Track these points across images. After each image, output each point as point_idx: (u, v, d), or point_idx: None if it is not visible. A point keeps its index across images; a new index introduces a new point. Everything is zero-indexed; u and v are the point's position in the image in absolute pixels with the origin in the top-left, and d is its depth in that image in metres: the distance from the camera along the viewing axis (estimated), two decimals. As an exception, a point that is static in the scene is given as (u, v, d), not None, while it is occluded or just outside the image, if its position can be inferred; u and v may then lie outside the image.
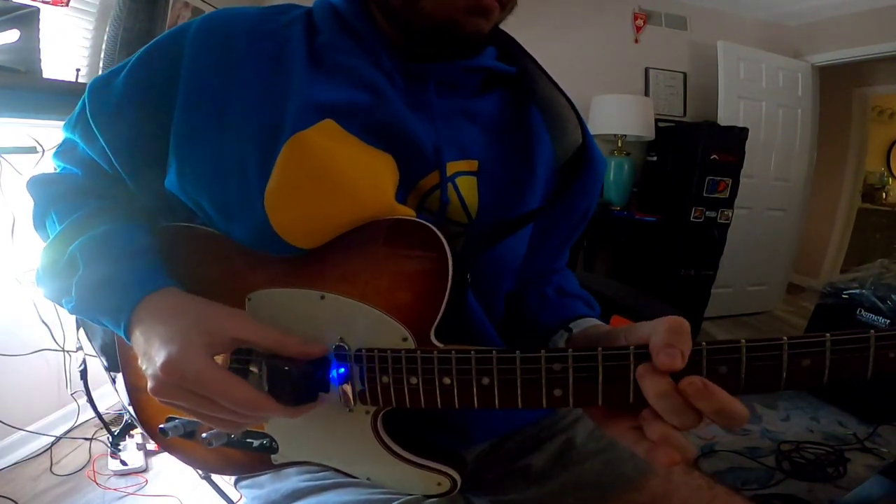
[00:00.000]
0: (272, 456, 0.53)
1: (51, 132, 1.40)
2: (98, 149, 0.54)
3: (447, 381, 0.42)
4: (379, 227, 0.47)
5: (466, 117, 0.55)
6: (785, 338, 0.34)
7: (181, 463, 0.60)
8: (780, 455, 1.74)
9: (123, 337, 0.47)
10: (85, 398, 1.43)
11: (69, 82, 1.48)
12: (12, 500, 1.32)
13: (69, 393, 1.61)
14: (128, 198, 0.56)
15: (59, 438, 1.57)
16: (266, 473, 0.59)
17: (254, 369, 0.48)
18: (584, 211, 0.63)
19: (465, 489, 0.51)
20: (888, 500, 1.42)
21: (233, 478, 0.65)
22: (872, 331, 0.33)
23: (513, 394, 0.40)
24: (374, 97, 0.50)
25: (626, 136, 2.89)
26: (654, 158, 3.10)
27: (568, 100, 0.58)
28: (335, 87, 0.50)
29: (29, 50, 1.30)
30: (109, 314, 0.47)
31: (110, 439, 1.49)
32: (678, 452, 0.37)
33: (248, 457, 0.54)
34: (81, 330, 1.01)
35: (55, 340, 1.51)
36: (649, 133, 2.86)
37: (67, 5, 1.50)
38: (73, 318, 1.31)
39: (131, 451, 1.52)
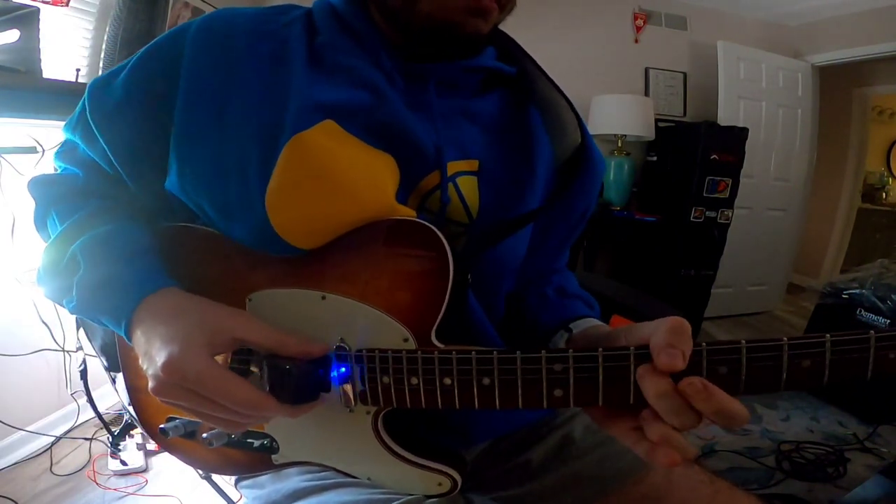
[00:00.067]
0: (273, 456, 0.53)
1: (51, 132, 1.40)
2: (98, 149, 0.54)
3: (448, 381, 0.42)
4: (379, 227, 0.47)
5: (466, 117, 0.55)
6: (785, 338, 0.34)
7: (181, 463, 0.60)
8: (780, 455, 1.74)
9: (124, 337, 0.47)
10: (85, 398, 1.44)
11: (69, 82, 1.48)
12: (12, 500, 1.32)
13: (69, 393, 1.61)
14: (129, 198, 0.56)
15: (59, 438, 1.57)
16: (266, 473, 0.59)
17: (254, 369, 0.48)
18: (583, 211, 0.63)
19: (465, 489, 0.51)
20: (888, 500, 1.42)
21: (233, 478, 0.65)
22: (872, 331, 0.33)
23: (513, 394, 0.41)
24: (374, 97, 0.50)
25: (626, 136, 2.89)
26: (654, 158, 3.10)
27: (567, 100, 0.58)
28: (335, 87, 0.50)
29: (29, 50, 1.30)
30: (110, 314, 0.47)
31: (110, 439, 1.49)
32: (678, 453, 0.37)
33: (249, 457, 0.54)
34: (81, 330, 1.02)
35: (55, 340, 1.51)
36: (649, 133, 2.86)
37: (67, 5, 1.50)
38: (73, 318, 1.31)
39: (131, 451, 1.52)
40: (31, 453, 1.51)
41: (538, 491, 0.59)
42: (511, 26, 0.57)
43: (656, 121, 2.92)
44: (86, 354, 1.37)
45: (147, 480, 1.47)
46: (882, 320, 2.09)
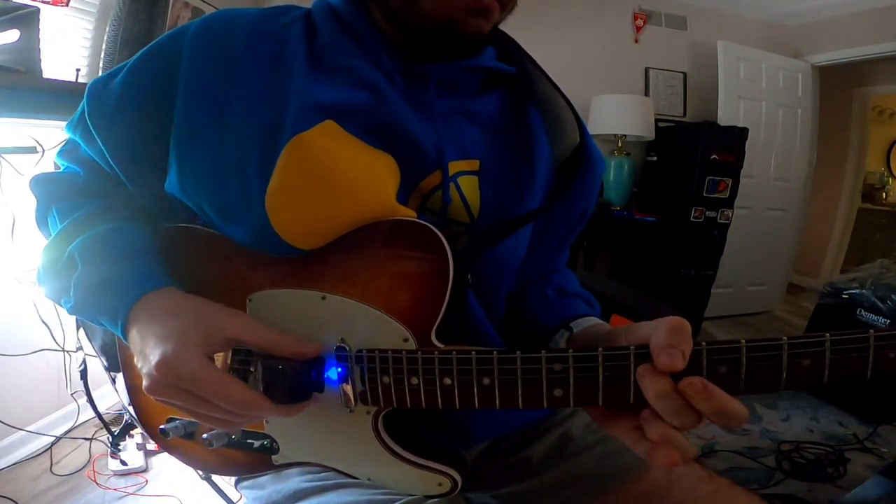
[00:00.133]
0: (273, 456, 0.53)
1: (51, 132, 1.40)
2: (97, 150, 0.54)
3: (448, 381, 0.42)
4: (380, 227, 0.47)
5: (467, 117, 0.55)
6: (785, 338, 0.35)
7: (181, 463, 0.60)
8: (780, 455, 1.74)
9: (121, 336, 0.47)
10: (85, 398, 1.44)
11: (69, 82, 1.48)
12: (12, 500, 1.32)
13: (69, 393, 1.61)
14: (129, 198, 0.56)
15: (59, 438, 1.57)
16: (267, 474, 0.59)
17: (252, 369, 0.48)
18: (582, 210, 0.63)
19: (465, 489, 0.51)
20: (888, 500, 1.42)
21: (233, 478, 0.65)
22: (872, 330, 0.33)
23: (513, 394, 0.41)
24: (375, 97, 0.50)
25: (626, 136, 2.89)
26: (654, 158, 3.10)
27: (566, 100, 0.58)
28: (335, 87, 0.50)
29: (29, 50, 1.30)
30: (107, 313, 0.47)
31: (110, 439, 1.49)
32: (678, 452, 0.37)
33: (249, 457, 0.54)
34: (81, 330, 1.02)
35: (55, 340, 1.51)
36: (649, 133, 2.86)
37: (67, 5, 1.50)
38: (73, 317, 1.31)
39: (131, 451, 1.52)
40: (31, 453, 1.51)
41: (538, 488, 0.59)
42: (511, 26, 0.57)
43: (656, 121, 2.91)
44: (86, 354, 1.37)
45: (147, 480, 1.47)
46: (882, 320, 2.09)
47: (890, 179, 4.62)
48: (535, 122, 0.57)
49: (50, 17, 1.46)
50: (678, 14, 3.15)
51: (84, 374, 1.39)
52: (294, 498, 0.55)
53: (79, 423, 1.65)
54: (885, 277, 2.22)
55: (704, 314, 3.10)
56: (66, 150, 0.59)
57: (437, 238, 0.45)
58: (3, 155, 1.33)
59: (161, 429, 0.53)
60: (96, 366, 0.94)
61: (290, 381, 0.43)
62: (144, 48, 0.52)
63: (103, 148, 0.53)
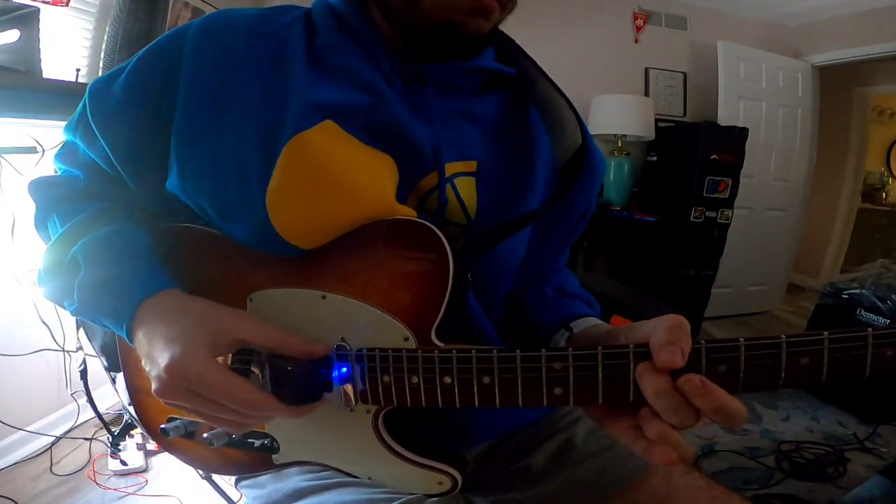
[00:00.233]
0: (273, 456, 0.53)
1: (51, 132, 1.40)
2: (99, 150, 0.54)
3: (448, 380, 0.42)
4: (380, 227, 0.47)
5: (465, 118, 0.55)
6: (783, 336, 0.35)
7: (181, 463, 0.60)
8: (780, 455, 1.74)
9: (126, 339, 0.47)
10: (85, 398, 1.44)
11: (69, 82, 1.48)
12: (12, 500, 1.32)
13: (69, 393, 1.61)
14: (129, 200, 0.56)
15: (59, 438, 1.57)
16: (267, 473, 0.59)
17: (255, 370, 0.48)
18: (582, 211, 0.63)
19: (465, 489, 0.51)
20: (888, 500, 1.42)
21: (233, 478, 0.65)
22: (870, 329, 0.33)
23: (513, 392, 0.41)
24: (373, 98, 0.50)
25: (626, 136, 2.89)
26: (654, 158, 3.10)
27: (567, 100, 0.58)
28: (335, 87, 0.50)
29: (29, 50, 1.30)
30: (111, 315, 0.47)
31: (110, 439, 1.49)
32: (675, 451, 0.37)
33: (250, 457, 0.54)
34: (81, 330, 1.02)
35: (55, 340, 1.51)
36: (649, 133, 2.86)
37: (67, 5, 1.50)
38: (73, 318, 1.31)
39: (131, 451, 1.52)
40: (31, 453, 1.51)
41: (538, 496, 0.59)
42: (511, 26, 0.57)
43: (656, 121, 2.92)
44: (86, 354, 1.37)
45: (147, 480, 1.47)
46: (882, 320, 2.09)
47: (890, 179, 4.62)
48: (535, 122, 0.57)
49: (50, 17, 1.46)
50: (678, 14, 3.15)
51: (84, 374, 1.39)
52: (294, 497, 0.55)
53: (79, 423, 1.65)
54: (885, 277, 2.22)
55: (704, 314, 3.10)
56: (64, 154, 0.59)
57: (437, 237, 0.45)
58: (3, 155, 1.34)
59: (161, 428, 0.53)
60: (96, 366, 0.94)
61: (300, 382, 0.43)
62: (145, 48, 0.52)
63: (106, 147, 0.53)
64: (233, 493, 1.00)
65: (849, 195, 4.29)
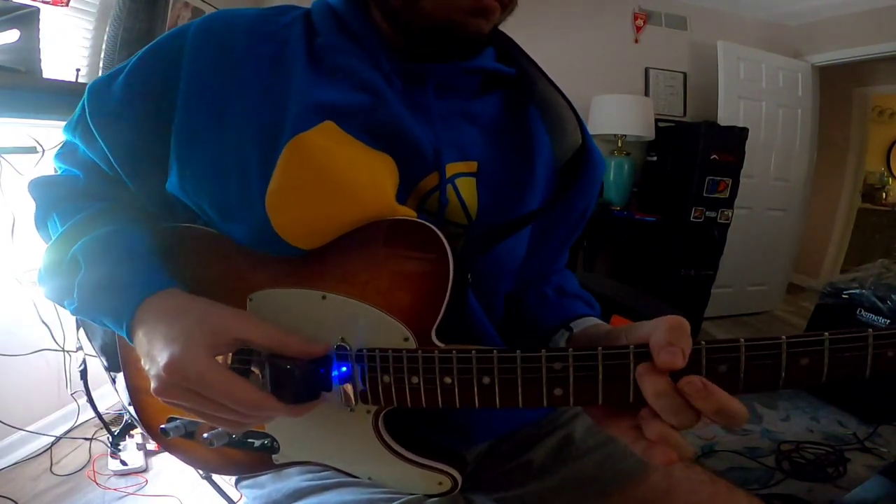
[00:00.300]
0: (273, 456, 0.53)
1: (51, 132, 1.40)
2: (98, 151, 0.54)
3: (448, 380, 0.42)
4: (380, 227, 0.47)
5: (465, 119, 0.55)
6: (784, 337, 0.35)
7: (181, 463, 0.60)
8: (780, 455, 1.74)
9: (126, 338, 0.47)
10: (85, 398, 1.44)
11: (69, 82, 1.48)
12: (12, 500, 1.32)
13: (69, 393, 1.61)
14: (129, 200, 0.56)
15: (59, 438, 1.57)
16: (267, 473, 0.59)
17: (255, 369, 0.48)
18: (582, 211, 0.63)
19: (465, 489, 0.51)
20: (888, 500, 1.42)
21: (233, 478, 0.65)
22: (870, 329, 0.33)
23: (513, 393, 0.41)
24: (373, 98, 0.50)
25: (626, 136, 2.89)
26: (654, 158, 3.09)
27: (567, 101, 0.58)
28: (335, 88, 0.50)
29: (29, 50, 1.30)
30: (111, 315, 0.47)
31: (110, 439, 1.49)
32: (675, 451, 0.37)
33: (250, 457, 0.54)
34: (81, 330, 1.02)
35: (55, 340, 1.51)
36: (649, 133, 2.86)
37: (67, 5, 1.50)
38: (73, 318, 1.31)
39: (131, 451, 1.52)
40: (31, 453, 1.51)
41: (539, 492, 0.59)
42: (511, 26, 0.57)
43: (656, 121, 2.91)
44: (86, 354, 1.37)
45: (147, 480, 1.47)
46: (882, 320, 2.09)
47: (890, 179, 4.62)
48: (535, 123, 0.57)
49: (50, 17, 1.46)
50: (678, 14, 3.15)
51: (84, 374, 1.39)
52: (294, 497, 0.55)
53: (79, 423, 1.65)
54: (885, 277, 2.22)
55: (704, 314, 3.10)
56: (64, 153, 0.59)
57: (437, 237, 0.45)
58: (3, 155, 1.34)
59: (162, 428, 0.53)
60: (96, 366, 0.94)
61: (299, 381, 0.43)
62: (145, 48, 0.52)
63: (105, 148, 0.53)
64: (233, 493, 1.00)
65: (849, 195, 4.29)
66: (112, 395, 1.69)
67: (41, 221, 0.56)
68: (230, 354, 0.49)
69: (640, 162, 3.15)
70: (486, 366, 0.41)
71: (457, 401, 0.42)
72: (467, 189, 0.54)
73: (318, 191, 0.47)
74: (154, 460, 1.54)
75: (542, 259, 0.64)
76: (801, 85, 3.27)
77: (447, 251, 0.44)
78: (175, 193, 0.52)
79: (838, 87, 3.77)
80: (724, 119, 2.97)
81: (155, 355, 0.42)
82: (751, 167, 3.00)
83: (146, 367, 0.43)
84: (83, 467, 1.49)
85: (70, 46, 1.62)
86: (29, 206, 0.57)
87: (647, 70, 3.12)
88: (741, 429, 1.90)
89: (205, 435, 0.49)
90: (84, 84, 1.34)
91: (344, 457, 0.51)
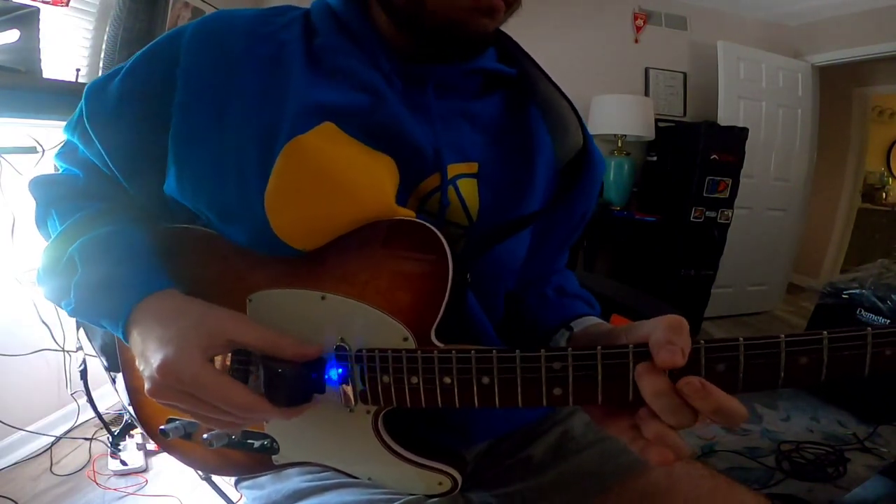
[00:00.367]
0: (273, 457, 0.53)
1: (51, 132, 1.40)
2: (96, 152, 0.54)
3: (448, 380, 0.42)
4: (379, 227, 0.47)
5: (466, 119, 0.55)
6: (782, 336, 0.35)
7: (181, 463, 0.60)
8: (780, 455, 1.74)
9: (122, 338, 0.47)
10: (85, 398, 1.44)
11: (69, 82, 1.48)
12: (12, 500, 1.32)
13: (69, 393, 1.61)
14: (128, 200, 0.56)
15: (59, 438, 1.57)
16: (267, 474, 0.59)
17: (253, 370, 0.48)
18: (583, 212, 0.63)
19: (465, 489, 0.51)
20: (888, 500, 1.42)
21: (233, 478, 0.65)
22: (869, 328, 0.33)
23: (513, 393, 0.41)
24: (373, 99, 0.50)
25: (626, 136, 2.89)
26: (654, 158, 3.09)
27: (569, 101, 0.58)
28: (334, 88, 0.50)
29: (29, 50, 1.30)
30: (108, 315, 0.47)
31: (110, 439, 1.49)
32: (672, 452, 0.37)
33: (249, 457, 0.55)
34: (81, 330, 1.02)
35: (55, 340, 1.51)
36: (649, 133, 2.86)
37: (67, 5, 1.50)
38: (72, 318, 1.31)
39: (131, 451, 1.52)
40: (31, 453, 1.51)
41: (538, 487, 0.59)
42: (511, 26, 0.56)
43: (656, 121, 2.92)
44: (86, 354, 1.37)
45: (147, 480, 1.47)
46: (882, 320, 2.09)
47: (890, 179, 4.62)
48: (535, 124, 0.57)
49: (50, 17, 1.46)
50: (678, 14, 3.15)
51: (84, 374, 1.39)
52: (294, 497, 0.55)
53: (79, 423, 1.65)
54: (885, 277, 2.22)
55: (704, 314, 3.10)
56: (65, 152, 0.59)
57: (436, 238, 0.45)
58: (3, 155, 1.34)
59: (161, 429, 0.53)
60: (96, 366, 0.94)
61: (290, 384, 0.43)
62: (142, 49, 0.52)
63: (102, 150, 0.53)
64: (232, 494, 1.00)
65: (849, 195, 4.29)
66: (112, 395, 1.69)
67: (41, 220, 0.57)
68: (230, 355, 0.49)
69: (640, 162, 3.15)
70: (486, 366, 0.41)
71: (456, 401, 0.42)
72: (468, 190, 0.54)
73: (316, 192, 0.47)
74: (154, 460, 1.55)
75: (542, 259, 0.64)
76: (801, 85, 3.27)
77: (446, 251, 0.44)
78: (173, 195, 0.52)
79: (838, 87, 3.77)
80: (724, 119, 2.97)
81: (149, 356, 0.42)
82: (751, 167, 3.00)
83: (140, 368, 0.44)
84: (83, 467, 1.49)
85: (70, 46, 1.62)
86: (29, 206, 0.57)
87: (647, 70, 3.12)
88: (741, 429, 1.90)
89: (204, 436, 0.49)
90: (84, 84, 1.34)
91: (344, 457, 0.51)
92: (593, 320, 0.56)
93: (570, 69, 2.81)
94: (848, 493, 1.52)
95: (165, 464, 1.53)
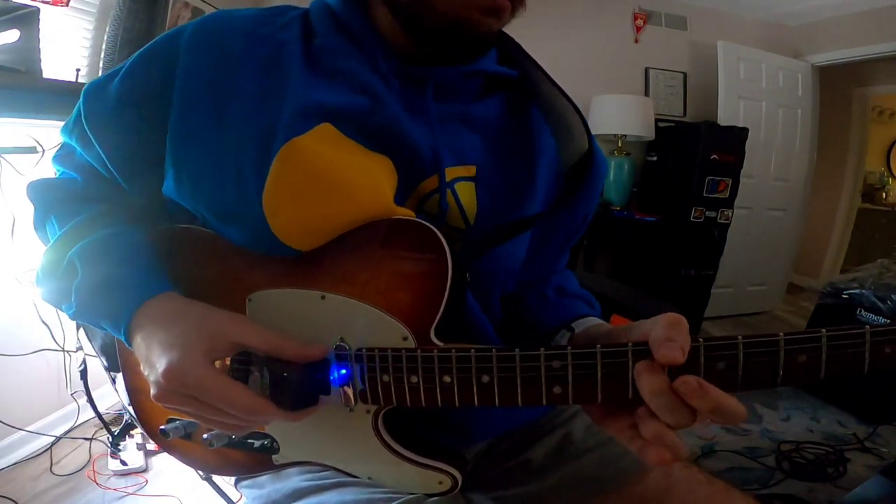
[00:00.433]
0: (273, 456, 0.53)
1: (51, 132, 1.40)
2: (94, 154, 0.54)
3: (447, 379, 0.42)
4: (378, 227, 0.47)
5: (465, 122, 0.55)
6: (781, 334, 0.35)
7: (181, 463, 0.60)
8: (780, 455, 1.74)
9: (124, 341, 0.47)
10: (85, 398, 1.44)
11: (69, 82, 1.48)
12: (12, 500, 1.32)
13: (69, 393, 1.61)
14: (127, 202, 0.56)
15: (59, 438, 1.57)
16: (267, 474, 0.59)
17: (254, 370, 0.48)
18: (584, 214, 0.63)
19: (465, 488, 0.51)
20: (888, 500, 1.42)
21: (233, 478, 0.65)
22: (868, 326, 0.33)
23: (513, 391, 0.41)
24: (372, 101, 0.50)
25: (626, 136, 2.89)
26: (654, 158, 3.10)
27: (573, 104, 0.57)
28: (333, 89, 0.50)
29: (29, 50, 1.30)
30: (109, 318, 0.47)
31: (110, 439, 1.49)
32: (669, 452, 0.37)
33: (249, 457, 0.54)
34: (81, 330, 1.02)
35: (55, 340, 1.51)
36: (649, 133, 2.86)
37: (67, 5, 1.50)
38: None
39: (131, 451, 1.52)
40: (31, 453, 1.51)
41: (538, 491, 0.59)
42: (511, 26, 0.56)
43: (656, 121, 2.92)
44: (86, 354, 1.37)
45: (147, 480, 1.47)
46: (882, 320, 2.08)
47: (890, 179, 4.61)
48: (537, 126, 0.57)
49: (50, 17, 1.46)
50: (678, 14, 3.15)
51: (84, 374, 1.39)
52: (294, 497, 0.55)
53: (79, 423, 1.65)
54: (885, 277, 2.23)
55: (704, 314, 3.10)
56: (62, 155, 0.58)
57: (435, 237, 0.45)
58: (3, 155, 1.34)
59: (161, 429, 0.53)
60: (96, 366, 0.94)
61: (297, 387, 0.43)
62: (140, 50, 0.52)
63: (101, 151, 0.53)
64: (232, 493, 1.00)
65: (849, 195, 4.29)
66: (112, 395, 1.69)
67: (39, 224, 0.56)
68: (229, 357, 0.49)
69: (640, 162, 3.15)
70: (485, 365, 0.41)
71: (456, 400, 0.42)
72: (466, 194, 0.54)
73: (314, 193, 0.47)
74: (154, 460, 1.54)
75: (543, 261, 0.63)
76: (801, 85, 3.27)
77: (446, 250, 0.44)
78: (172, 197, 0.52)
79: (838, 87, 3.77)
80: (724, 119, 2.97)
81: (154, 361, 0.42)
82: (751, 167, 3.00)
83: (145, 373, 0.44)
84: (83, 467, 1.49)
85: (70, 46, 1.62)
86: (28, 208, 0.57)
87: (647, 70, 3.12)
88: (741, 429, 1.90)
89: (204, 436, 0.49)
90: (84, 84, 1.34)
91: (344, 457, 0.51)
92: (594, 321, 0.56)
93: (570, 69, 2.81)
94: (848, 493, 1.52)
95: (165, 464, 1.53)
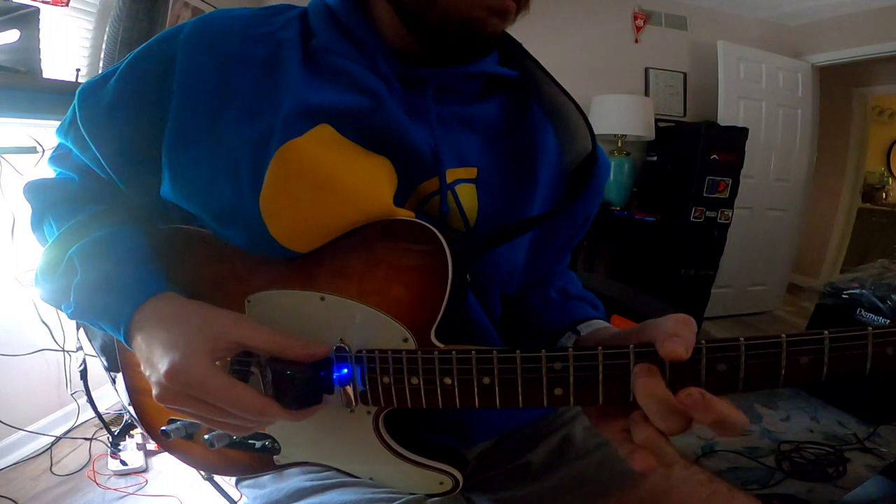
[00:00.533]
0: (274, 457, 0.53)
1: (51, 132, 1.37)
2: (90, 155, 0.53)
3: (448, 381, 0.42)
4: (378, 227, 0.47)
5: (465, 124, 0.55)
6: (783, 335, 0.35)
7: (182, 463, 0.60)
8: (780, 455, 1.74)
9: (123, 342, 0.47)
10: (85, 398, 1.44)
11: (69, 82, 1.48)
12: (12, 500, 1.32)
13: (69, 393, 1.61)
14: (125, 202, 0.56)
15: (59, 438, 1.57)
16: (268, 474, 0.59)
17: (255, 370, 0.48)
18: (586, 215, 0.62)
19: (466, 489, 0.51)
20: (888, 500, 1.42)
21: (234, 478, 0.65)
22: (870, 327, 0.33)
23: (514, 393, 0.41)
24: (371, 102, 0.49)
25: (626, 136, 2.89)
26: (654, 158, 3.10)
27: (576, 104, 0.56)
28: (331, 90, 0.49)
29: (29, 50, 1.30)
30: (108, 318, 0.47)
31: (110, 439, 1.49)
32: (655, 459, 0.37)
33: (251, 458, 0.54)
34: (81, 330, 1.02)
35: (55, 340, 1.51)
36: (649, 133, 2.86)
37: (67, 5, 1.50)
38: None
39: (131, 451, 1.52)
40: (31, 453, 1.51)
41: (539, 492, 0.59)
42: (511, 25, 0.56)
43: (656, 121, 2.91)
44: (86, 354, 1.37)
45: (147, 480, 1.47)
46: (882, 320, 2.08)
47: (890, 179, 4.61)
48: (538, 127, 0.57)
49: (50, 17, 1.46)
50: (678, 14, 3.15)
51: (84, 374, 1.39)
52: (295, 497, 0.55)
53: (79, 423, 1.65)
54: (885, 277, 2.22)
55: (704, 314, 3.09)
56: (58, 156, 0.58)
57: (435, 237, 0.45)
58: (3, 155, 1.34)
59: (162, 430, 0.53)
60: (96, 366, 0.94)
61: (301, 386, 0.43)
62: (136, 50, 0.51)
63: (97, 152, 0.52)
64: (233, 493, 1.00)
65: (849, 195, 4.29)
66: (112, 395, 1.69)
67: (37, 225, 0.56)
68: (229, 357, 0.49)
69: (640, 162, 3.15)
70: (486, 366, 0.41)
71: (457, 401, 0.42)
72: (467, 196, 0.53)
73: (311, 196, 0.47)
74: (154, 460, 1.54)
75: (545, 261, 0.63)
76: (801, 85, 3.27)
77: (446, 251, 0.44)
78: (169, 199, 0.51)
79: (838, 87, 3.77)
80: (724, 119, 2.97)
81: (155, 362, 0.42)
82: (751, 167, 3.00)
83: (147, 374, 0.43)
84: (83, 467, 1.49)
85: (70, 46, 1.62)
86: (26, 209, 0.57)
87: (647, 70, 3.12)
88: (741, 429, 1.90)
89: (205, 436, 0.49)
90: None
91: (344, 457, 0.51)
92: (600, 324, 0.55)
93: (570, 69, 2.80)
94: (848, 493, 1.52)
95: (165, 464, 1.53)
